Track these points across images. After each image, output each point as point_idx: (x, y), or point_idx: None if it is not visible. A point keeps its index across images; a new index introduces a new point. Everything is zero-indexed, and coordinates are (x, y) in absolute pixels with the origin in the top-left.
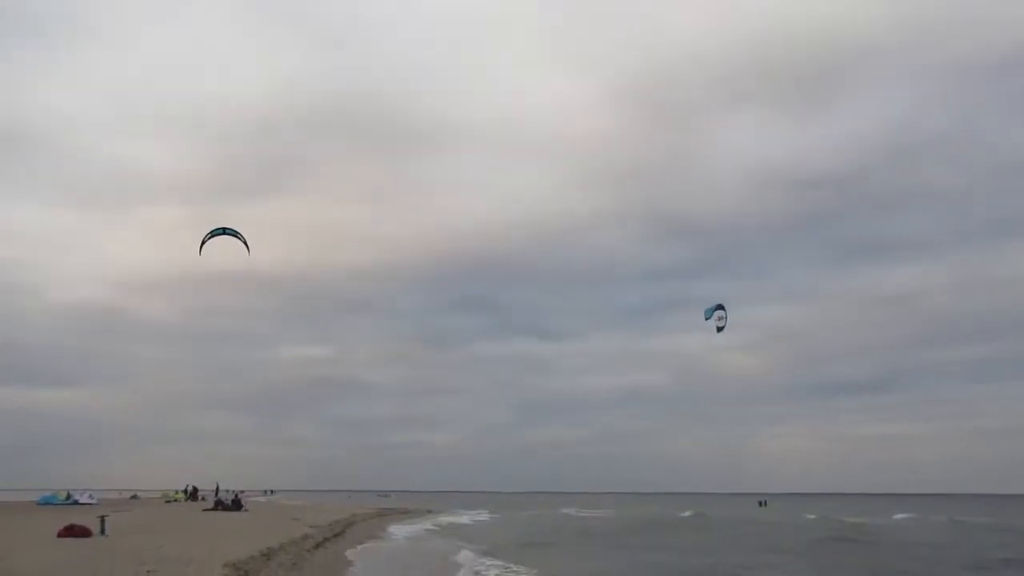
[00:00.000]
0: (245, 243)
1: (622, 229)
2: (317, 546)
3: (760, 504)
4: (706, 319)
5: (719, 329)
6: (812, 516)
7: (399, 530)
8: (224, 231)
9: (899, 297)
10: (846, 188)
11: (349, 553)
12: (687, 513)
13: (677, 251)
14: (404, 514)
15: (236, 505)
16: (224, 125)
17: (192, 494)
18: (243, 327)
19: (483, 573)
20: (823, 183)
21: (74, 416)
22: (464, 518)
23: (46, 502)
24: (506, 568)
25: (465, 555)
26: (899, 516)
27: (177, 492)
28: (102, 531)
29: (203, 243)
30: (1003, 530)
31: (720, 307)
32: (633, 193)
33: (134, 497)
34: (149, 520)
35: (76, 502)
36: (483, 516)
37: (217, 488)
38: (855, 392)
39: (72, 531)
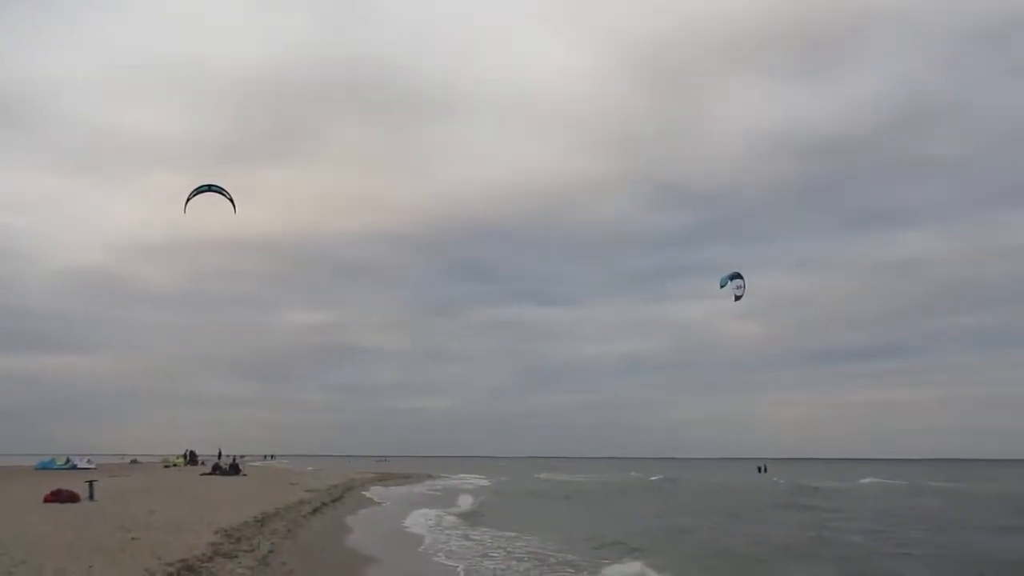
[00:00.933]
0: (231, 200)
1: (625, 196)
2: (314, 511)
3: (759, 470)
4: (721, 287)
5: (737, 298)
6: (780, 480)
7: (395, 493)
8: (209, 188)
9: (902, 264)
10: (849, 155)
11: (349, 519)
12: (656, 478)
13: (680, 218)
14: (404, 479)
15: (233, 470)
16: (226, 90)
17: (191, 459)
18: (245, 292)
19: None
20: (826, 150)
21: (76, 382)
22: (453, 481)
23: (44, 467)
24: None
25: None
26: (865, 480)
27: (177, 457)
28: (90, 496)
29: (188, 200)
30: (955, 495)
31: (738, 275)
32: (636, 160)
33: (134, 462)
34: (144, 484)
35: (75, 467)
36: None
37: (220, 453)
38: (858, 359)
39: (59, 496)
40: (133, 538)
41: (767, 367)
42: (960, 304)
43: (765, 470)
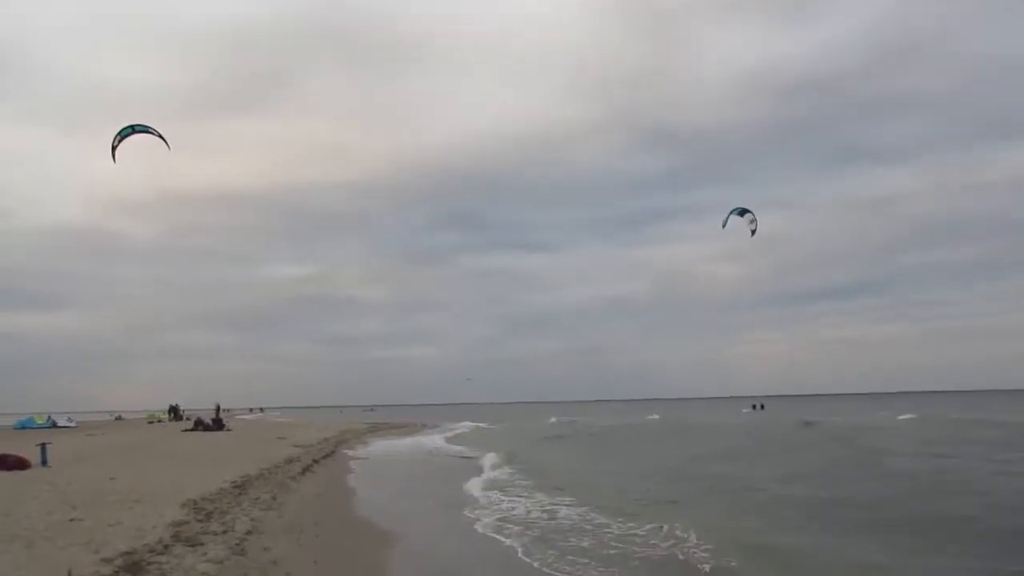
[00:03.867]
0: (163, 138)
1: (606, 141)
2: (304, 471)
3: (754, 407)
4: (723, 227)
5: (752, 232)
6: (788, 416)
7: (397, 447)
8: (133, 129)
9: (884, 201)
10: (831, 93)
11: (350, 479)
12: (654, 417)
13: (661, 161)
14: (399, 429)
15: (217, 425)
16: (206, 40)
17: (175, 414)
18: (227, 246)
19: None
20: (808, 88)
21: (60, 339)
22: (460, 430)
23: (23, 426)
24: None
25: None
26: (904, 417)
27: (161, 413)
28: (43, 461)
29: (114, 147)
30: (1000, 425)
31: (745, 210)
32: (618, 104)
33: (119, 418)
34: (118, 443)
35: (55, 425)
36: (476, 428)
37: (218, 408)
38: (837, 297)
39: (4, 463)
40: (72, 519)
41: (747, 307)
42: (937, 240)
43: (762, 407)
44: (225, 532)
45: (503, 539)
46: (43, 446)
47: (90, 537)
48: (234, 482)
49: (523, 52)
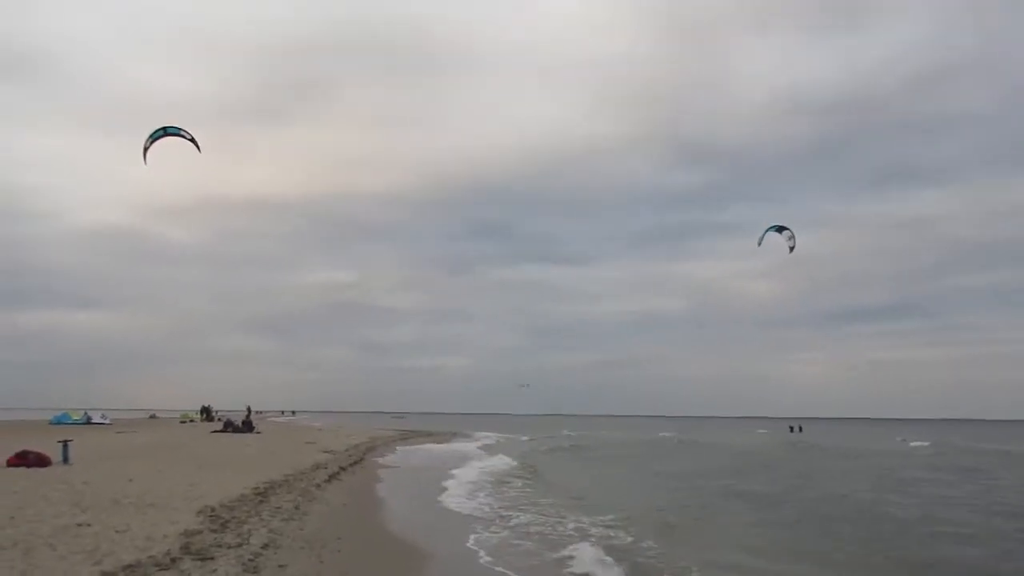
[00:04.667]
0: (194, 142)
1: (641, 154)
2: (331, 478)
3: (792, 429)
4: (759, 244)
5: (791, 249)
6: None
7: (427, 454)
8: (165, 131)
9: (921, 222)
10: (870, 112)
11: (379, 488)
12: (668, 434)
13: (697, 177)
14: (428, 436)
15: (246, 427)
16: (246, 49)
17: (207, 414)
18: (265, 251)
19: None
20: (846, 107)
21: (100, 338)
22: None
23: (58, 422)
24: None
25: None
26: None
27: (194, 413)
28: (64, 459)
29: (146, 149)
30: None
31: (782, 227)
32: (653, 117)
33: (153, 417)
34: (145, 443)
35: (89, 421)
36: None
37: (249, 410)
38: (874, 318)
39: (24, 460)
40: (80, 523)
41: (783, 326)
42: (975, 263)
43: (800, 430)
44: (240, 545)
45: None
46: (65, 444)
47: (95, 545)
48: (256, 488)
49: (557, 64)
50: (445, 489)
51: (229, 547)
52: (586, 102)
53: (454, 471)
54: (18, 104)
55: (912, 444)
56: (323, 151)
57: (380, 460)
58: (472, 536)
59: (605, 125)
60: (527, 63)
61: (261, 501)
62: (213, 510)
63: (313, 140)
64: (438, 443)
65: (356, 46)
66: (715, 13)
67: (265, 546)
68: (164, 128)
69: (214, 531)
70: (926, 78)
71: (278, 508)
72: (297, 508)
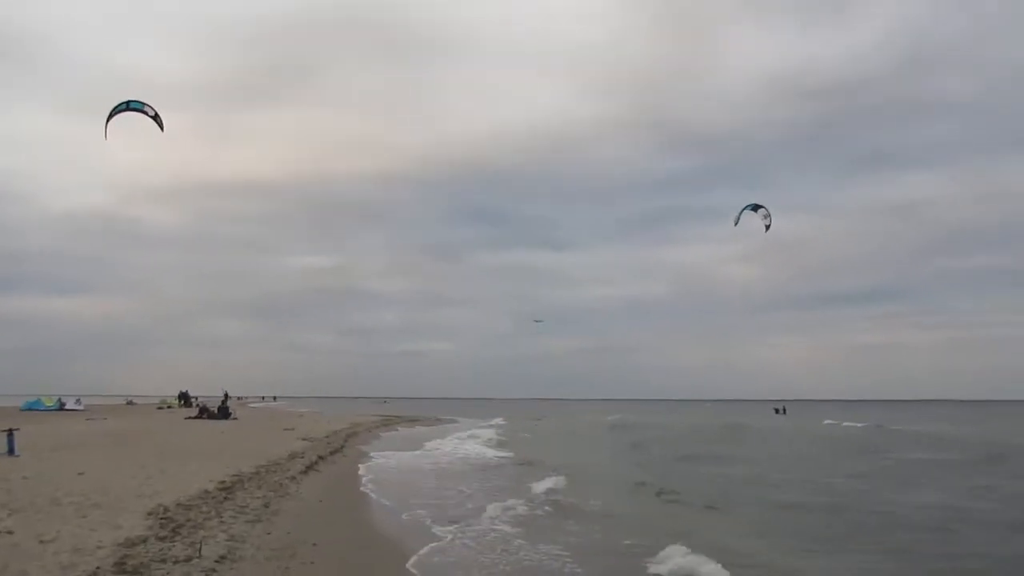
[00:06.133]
0: (156, 119)
1: (630, 139)
2: (308, 469)
3: (777, 411)
4: (735, 224)
5: (767, 228)
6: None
7: (415, 440)
8: (128, 105)
9: (909, 207)
10: (856, 97)
11: (366, 482)
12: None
13: (685, 161)
14: (411, 422)
15: (222, 413)
16: (231, 30)
17: (185, 400)
18: (250, 235)
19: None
20: (834, 92)
21: (82, 323)
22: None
23: (30, 408)
24: None
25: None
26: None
27: (172, 399)
28: (9, 450)
29: (107, 121)
30: (906, 435)
31: (758, 205)
32: (642, 102)
33: (130, 403)
34: (115, 429)
35: (62, 407)
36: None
37: (226, 395)
38: (858, 302)
39: None
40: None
41: (768, 310)
42: (961, 247)
43: (784, 411)
44: (188, 560)
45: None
46: (10, 433)
47: (4, 562)
48: (222, 483)
49: (547, 49)
50: (428, 481)
51: (175, 561)
52: (575, 87)
53: (440, 456)
54: None
55: (844, 424)
56: (312, 134)
57: (362, 448)
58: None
59: (594, 110)
60: (517, 48)
61: (225, 498)
62: (166, 511)
63: (302, 123)
64: (424, 427)
65: (344, 28)
66: (704, 0)
67: (222, 559)
68: (127, 102)
69: (162, 539)
70: (912, 63)
71: (243, 507)
72: (266, 506)
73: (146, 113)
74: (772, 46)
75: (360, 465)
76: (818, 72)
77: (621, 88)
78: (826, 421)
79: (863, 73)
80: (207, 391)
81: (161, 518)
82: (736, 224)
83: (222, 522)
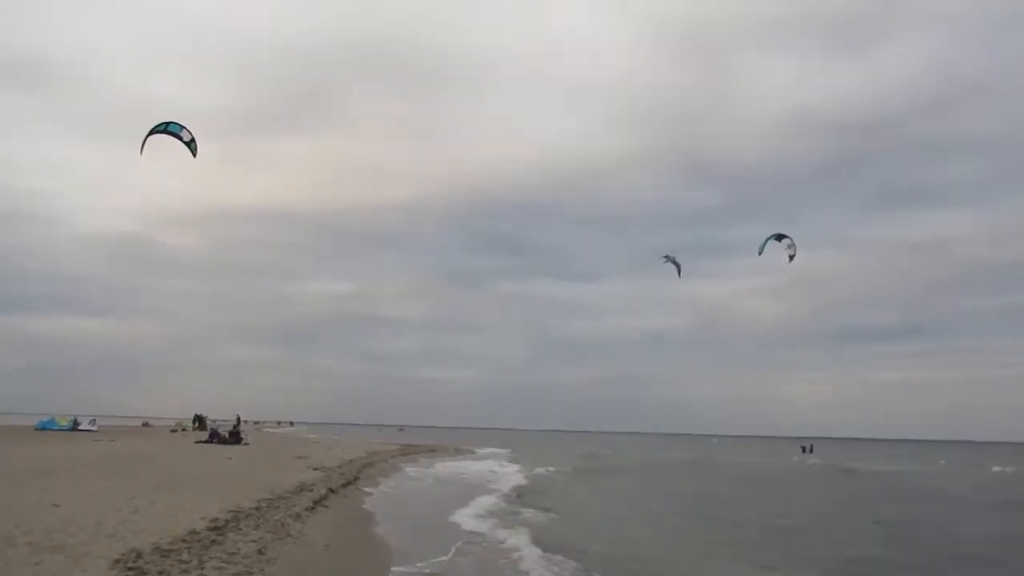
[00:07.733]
0: (190, 145)
1: (652, 172)
2: (316, 504)
3: (803, 450)
4: (759, 253)
5: (791, 258)
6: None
7: (438, 477)
8: (167, 128)
9: (935, 244)
10: (882, 133)
11: (376, 518)
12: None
13: (707, 195)
14: (430, 453)
15: (233, 438)
16: (256, 60)
17: (200, 423)
18: (270, 261)
19: None
20: (859, 128)
21: (104, 345)
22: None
23: (44, 427)
24: None
25: None
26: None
27: (188, 422)
28: None
29: (145, 139)
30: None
31: (781, 235)
32: (665, 135)
33: (146, 425)
34: (119, 452)
35: (76, 427)
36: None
37: (239, 419)
38: (883, 340)
39: None
40: None
41: (791, 346)
42: (987, 285)
43: (811, 450)
44: None
45: None
46: None
47: None
48: (215, 520)
49: (570, 80)
50: (454, 522)
51: None
52: (598, 118)
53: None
54: (29, 110)
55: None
56: (333, 162)
57: (379, 479)
58: None
59: (617, 141)
60: (540, 78)
61: (213, 541)
62: (138, 557)
63: (324, 151)
64: (449, 460)
65: (367, 58)
66: (728, 32)
67: None
68: (167, 123)
69: None
70: (938, 99)
71: (233, 553)
72: (261, 552)
73: (180, 138)
74: (798, 80)
75: (373, 496)
76: (841, 107)
77: (645, 121)
78: (995, 468)
79: (888, 108)
80: (225, 415)
81: (129, 568)
82: (760, 254)
83: (202, 574)
